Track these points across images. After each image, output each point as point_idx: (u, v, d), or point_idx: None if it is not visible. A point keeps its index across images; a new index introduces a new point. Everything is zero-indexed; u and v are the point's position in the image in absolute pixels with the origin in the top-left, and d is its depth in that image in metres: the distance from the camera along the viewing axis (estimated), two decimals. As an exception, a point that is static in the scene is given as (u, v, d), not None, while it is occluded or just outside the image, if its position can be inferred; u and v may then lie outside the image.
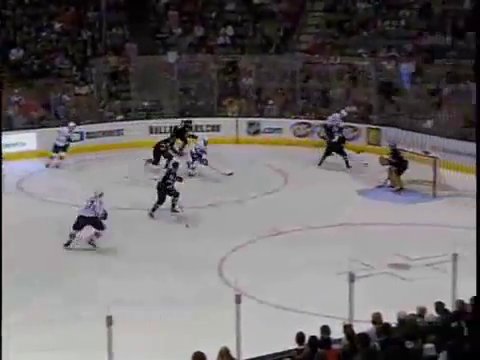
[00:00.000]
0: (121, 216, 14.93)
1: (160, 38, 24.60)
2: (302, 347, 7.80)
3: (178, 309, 11.17)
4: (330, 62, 22.52)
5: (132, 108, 22.53)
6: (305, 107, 22.42)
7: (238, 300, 8.26)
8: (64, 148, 19.37)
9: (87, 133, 21.20)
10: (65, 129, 19.61)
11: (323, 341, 7.69)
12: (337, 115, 20.19)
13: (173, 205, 15.26)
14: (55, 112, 21.56)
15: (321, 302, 11.16)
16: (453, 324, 7.50)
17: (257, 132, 22.12)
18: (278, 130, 21.95)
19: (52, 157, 19.28)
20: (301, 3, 25.17)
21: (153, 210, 15.27)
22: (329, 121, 20.17)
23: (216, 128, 22.10)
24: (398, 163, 17.25)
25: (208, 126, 22.10)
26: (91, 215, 13.51)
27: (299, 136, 21.77)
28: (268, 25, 24.79)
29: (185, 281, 12.31)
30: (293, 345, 7.91)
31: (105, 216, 13.49)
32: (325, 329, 7.95)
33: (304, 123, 21.88)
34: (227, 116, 22.56)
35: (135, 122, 21.84)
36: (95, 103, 22.19)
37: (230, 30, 24.82)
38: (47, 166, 19.24)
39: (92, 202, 13.52)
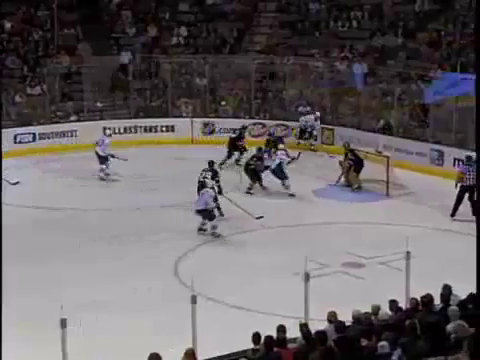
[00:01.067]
0: (79, 218, 14.82)
1: (113, 38, 24.44)
2: (258, 347, 7.84)
3: (134, 311, 11.13)
4: (284, 62, 22.64)
5: (85, 109, 22.35)
6: (259, 107, 22.50)
7: (194, 301, 8.27)
8: None
9: (40, 134, 20.97)
10: None
11: (279, 341, 7.73)
12: (311, 116, 20.35)
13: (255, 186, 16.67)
14: (7, 113, 21.27)
15: (277, 302, 11.22)
16: (407, 322, 7.60)
17: (212, 132, 22.13)
18: (233, 130, 21.94)
19: None
20: (254, 4, 25.28)
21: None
22: (302, 122, 20.30)
23: (170, 129, 22.06)
24: (356, 162, 17.41)
25: (162, 127, 22.04)
26: (201, 207, 14.08)
27: (254, 136, 21.83)
28: (221, 25, 24.83)
29: (141, 282, 12.26)
30: (249, 345, 7.94)
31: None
32: (281, 328, 8.00)
33: (259, 123, 21.96)
34: (181, 116, 22.52)
35: (88, 123, 21.67)
36: (48, 104, 21.95)
37: (184, 30, 24.79)
38: None
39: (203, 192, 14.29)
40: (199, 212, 14.28)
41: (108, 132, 18.99)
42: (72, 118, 22.04)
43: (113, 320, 10.74)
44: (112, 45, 24.20)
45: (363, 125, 20.36)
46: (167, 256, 13.24)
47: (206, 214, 14.27)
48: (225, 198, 15.17)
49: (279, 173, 17.01)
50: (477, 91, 5.79)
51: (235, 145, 19.33)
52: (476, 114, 5.94)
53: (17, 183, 16.39)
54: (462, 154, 17.98)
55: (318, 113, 20.58)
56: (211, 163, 15.75)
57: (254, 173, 17.19)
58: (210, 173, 15.42)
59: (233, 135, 19.74)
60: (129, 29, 24.69)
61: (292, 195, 16.76)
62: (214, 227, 14.31)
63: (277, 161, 17.12)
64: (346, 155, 17.59)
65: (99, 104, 22.54)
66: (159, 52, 23.96)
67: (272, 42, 24.23)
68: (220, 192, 15.06)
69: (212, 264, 12.97)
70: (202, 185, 14.89)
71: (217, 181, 15.28)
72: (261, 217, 14.89)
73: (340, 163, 17.69)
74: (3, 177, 16.75)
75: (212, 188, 14.65)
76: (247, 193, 16.89)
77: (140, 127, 22.06)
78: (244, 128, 20.05)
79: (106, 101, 22.70)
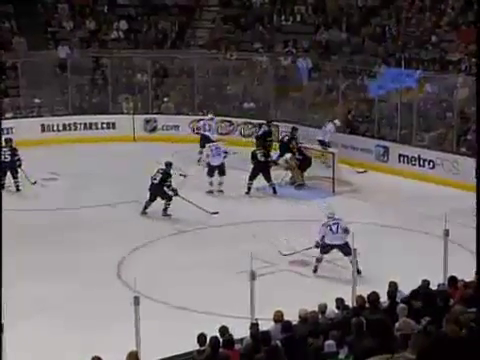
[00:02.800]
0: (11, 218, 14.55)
1: (50, 32, 24.13)
2: (204, 348, 7.86)
3: (77, 312, 11.04)
4: (227, 58, 22.67)
5: (22, 105, 22.01)
6: (203, 103, 22.49)
7: (137, 302, 8.25)
8: None
9: (-26, 132, 20.57)
10: None
11: (225, 341, 7.76)
12: (330, 126, 18.94)
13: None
14: None
15: (223, 302, 11.26)
16: (353, 320, 7.70)
17: (154, 129, 22.04)
18: (176, 127, 21.93)
19: None
20: (196, -3, 25.25)
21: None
22: (321, 135, 18.85)
23: (111, 126, 21.88)
24: (302, 160, 17.50)
25: (103, 124, 21.86)
26: (339, 242, 12.42)
27: (197, 133, 21.79)
28: (163, 19, 24.72)
29: (83, 284, 12.17)
30: (194, 346, 7.96)
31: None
32: (225, 329, 8.04)
33: (202, 120, 21.91)
34: (123, 113, 22.37)
35: (26, 120, 21.36)
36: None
37: (123, 24, 24.61)
38: None
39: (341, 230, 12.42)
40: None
41: None
42: (8, 115, 21.69)
43: (52, 322, 10.64)
44: (49, 39, 23.89)
45: (308, 121, 20.50)
46: (108, 256, 13.13)
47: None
48: (180, 197, 15.13)
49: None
50: (477, 90, 5.89)
51: (288, 148, 18.13)
52: (476, 114, 6.06)
53: (35, 183, 16.87)
54: (407, 150, 18.32)
55: (337, 121, 19.12)
56: (168, 164, 15.45)
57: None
58: (161, 175, 15.22)
59: (286, 138, 18.76)
60: (66, 23, 24.40)
61: (221, 191, 16.86)
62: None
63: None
64: (293, 153, 17.66)
65: (36, 100, 22.21)
66: (98, 47, 23.75)
67: (215, 37, 24.23)
68: (175, 193, 15.19)
69: (155, 264, 12.93)
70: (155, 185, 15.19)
71: (168, 185, 15.14)
72: (216, 213, 15.14)
73: (286, 161, 17.76)
74: (24, 176, 16.59)
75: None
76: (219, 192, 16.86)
77: (80, 124, 21.83)
78: (295, 130, 18.95)
79: (44, 97, 22.39)
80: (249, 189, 16.87)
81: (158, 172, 15.31)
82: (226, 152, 17.24)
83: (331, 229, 12.57)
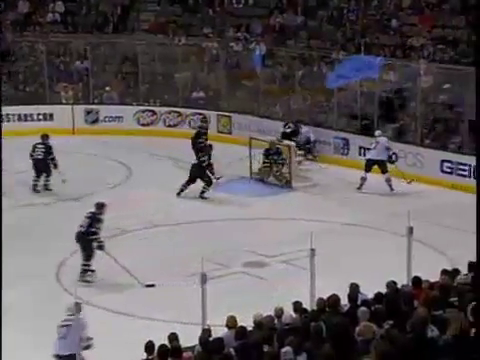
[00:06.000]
0: None
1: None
2: (151, 357, 7.86)
3: (13, 320, 10.94)
4: (174, 43, 22.61)
5: None
6: (149, 93, 22.42)
7: (78, 309, 8.22)
8: None
9: None
10: None
11: (173, 349, 7.77)
12: (306, 129, 19.12)
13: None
14: None
15: (172, 307, 11.26)
16: (312, 325, 7.78)
17: (96, 121, 21.90)
18: (119, 118, 21.82)
19: None
20: (140, -23, 25.13)
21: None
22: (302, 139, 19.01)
23: (49, 117, 21.69)
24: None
25: (40, 115, 21.65)
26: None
27: (143, 124, 21.75)
28: (103, 1, 24.56)
29: (19, 289, 12.07)
30: (142, 355, 7.96)
31: None
32: (173, 336, 8.05)
33: (148, 110, 21.88)
34: (61, 103, 22.18)
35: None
36: None
37: (60, 6, 24.41)
38: None
39: None
40: None
41: None
42: None
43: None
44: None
45: (262, 111, 20.58)
46: (47, 260, 13.02)
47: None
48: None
49: None
50: (477, 90, 5.98)
51: (291, 140, 18.40)
52: (476, 114, 6.15)
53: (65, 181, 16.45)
54: (368, 142, 18.48)
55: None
56: (100, 206, 13.06)
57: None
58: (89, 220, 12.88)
59: (287, 130, 18.99)
60: (-3, 5, 24.13)
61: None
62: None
63: None
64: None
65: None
66: (33, 30, 23.50)
67: (161, 20, 24.16)
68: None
69: (97, 267, 12.84)
70: None
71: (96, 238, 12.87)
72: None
73: None
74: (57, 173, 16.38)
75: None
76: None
77: (13, 115, 21.56)
78: (298, 122, 19.26)
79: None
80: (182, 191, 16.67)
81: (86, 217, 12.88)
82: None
83: None
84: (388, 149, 17.00)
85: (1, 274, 5.75)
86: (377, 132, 17.40)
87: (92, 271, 12.62)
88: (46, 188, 16.83)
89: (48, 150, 16.83)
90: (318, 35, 22.18)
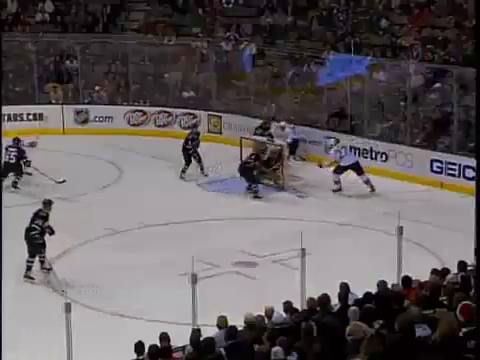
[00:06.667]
0: None
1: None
2: (141, 357, 7.86)
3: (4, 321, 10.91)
4: (164, 43, 22.60)
5: None
6: (139, 93, 22.39)
7: (68, 309, 8.20)
8: None
9: None
10: None
11: (164, 350, 7.78)
12: (288, 129, 19.11)
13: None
14: None
15: (162, 307, 11.26)
16: (302, 324, 7.78)
17: (86, 121, 21.86)
18: (109, 119, 21.79)
19: None
20: (129, -23, 25.10)
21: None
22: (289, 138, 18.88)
23: (39, 117, 21.63)
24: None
25: (29, 115, 21.59)
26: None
27: (133, 125, 21.72)
28: (93, 1, 24.52)
29: (8, 288, 12.02)
30: (132, 355, 7.96)
31: None
32: (164, 336, 8.05)
33: (138, 110, 21.85)
34: (51, 103, 22.13)
35: None
36: None
37: (49, 6, 24.35)
38: None
39: None
40: None
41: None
42: None
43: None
44: (-36, 22, 23.48)
45: (253, 111, 20.57)
46: (35, 261, 12.98)
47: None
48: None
49: None
50: (477, 89, 5.99)
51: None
52: (476, 114, 6.16)
53: (64, 181, 16.49)
54: (358, 142, 18.51)
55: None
56: (47, 203, 13.22)
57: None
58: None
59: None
60: (-15, 4, 24.05)
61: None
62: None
63: None
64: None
65: None
66: (21, 30, 23.42)
67: (150, 20, 24.14)
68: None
69: (87, 267, 12.83)
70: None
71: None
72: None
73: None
74: (49, 176, 16.25)
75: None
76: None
77: (2, 115, 21.49)
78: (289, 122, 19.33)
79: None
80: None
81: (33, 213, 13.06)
82: None
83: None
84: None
85: (1, 274, 5.77)
86: (332, 140, 17.57)
87: (49, 269, 12.61)
88: (14, 186, 16.75)
89: (21, 154, 16.77)
90: (308, 35, 22.21)
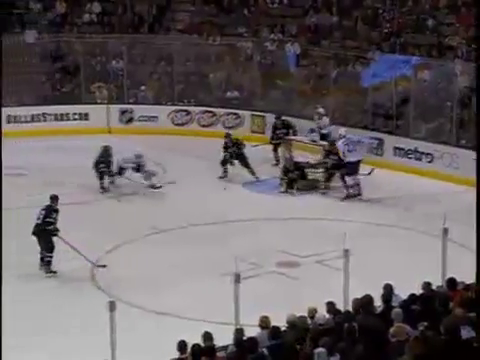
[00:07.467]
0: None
1: (16, 14, 23.98)
2: (184, 356, 7.87)
3: (47, 316, 11.04)
4: (209, 43, 22.65)
5: (-15, 95, 21.87)
6: (183, 93, 22.47)
7: (113, 307, 8.24)
8: None
9: None
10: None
11: (207, 349, 7.77)
12: (326, 119, 18.97)
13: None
14: None
15: (205, 306, 11.27)
16: (345, 325, 7.74)
17: (130, 121, 22.00)
18: (154, 118, 21.90)
19: None
20: (175, -22, 25.19)
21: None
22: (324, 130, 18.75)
23: (84, 117, 21.82)
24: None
25: (75, 115, 21.79)
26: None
27: (177, 124, 21.80)
28: (139, 2, 24.66)
29: (55, 286, 12.18)
30: (174, 354, 7.97)
31: None
32: (207, 336, 8.04)
33: (182, 110, 21.93)
34: (96, 103, 22.30)
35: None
36: None
37: (96, 7, 24.52)
38: None
39: None
40: None
41: None
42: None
43: (19, 326, 10.62)
44: (14, 22, 23.74)
45: (296, 111, 20.50)
46: (81, 258, 13.08)
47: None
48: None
49: None
50: (477, 89, 5.94)
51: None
52: (476, 113, 6.11)
53: (160, 187, 16.48)
54: (403, 143, 18.36)
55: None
56: (53, 198, 13.29)
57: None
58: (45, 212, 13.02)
59: (324, 131, 18.67)
60: (34, 4, 24.28)
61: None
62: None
63: None
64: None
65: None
66: (69, 31, 23.65)
67: (196, 20, 24.18)
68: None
69: (132, 266, 12.91)
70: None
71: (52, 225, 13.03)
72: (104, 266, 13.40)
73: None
74: (149, 182, 16.52)
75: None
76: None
77: (49, 115, 21.75)
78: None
79: (9, 86, 22.24)
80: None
81: (42, 209, 13.04)
82: None
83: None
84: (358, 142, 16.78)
85: (1, 273, 5.74)
86: (342, 130, 17.17)
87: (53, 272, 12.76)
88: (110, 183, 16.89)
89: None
90: (353, 35, 22.07)
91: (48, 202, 13.11)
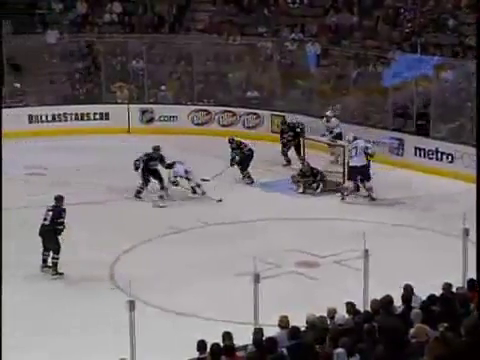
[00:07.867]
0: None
1: (38, 15, 24.10)
2: (204, 356, 7.86)
3: (66, 316, 11.06)
4: (229, 42, 22.65)
5: (7, 94, 21.97)
6: (203, 92, 22.48)
7: (132, 307, 8.24)
8: None
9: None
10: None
11: (226, 348, 7.76)
12: (335, 120, 18.95)
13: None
14: None
15: (224, 306, 11.26)
16: (365, 326, 7.71)
17: (151, 120, 22.03)
18: (174, 118, 21.93)
19: None
20: (195, -22, 25.21)
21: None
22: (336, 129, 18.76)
23: (105, 116, 21.87)
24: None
25: (96, 114, 21.84)
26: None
27: (197, 124, 21.82)
28: (160, 2, 24.70)
29: (74, 286, 12.21)
30: (194, 354, 7.96)
31: None
32: (227, 336, 8.04)
33: (202, 110, 21.94)
34: (117, 103, 22.36)
35: (12, 110, 21.29)
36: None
37: (117, 7, 24.59)
38: None
39: None
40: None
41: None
42: (-6, 105, 21.68)
43: (38, 325, 10.65)
44: (36, 23, 23.86)
45: (316, 111, 20.46)
46: (100, 258, 13.12)
47: None
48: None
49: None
50: (477, 88, 5.91)
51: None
52: (476, 112, 6.08)
53: (220, 201, 16.13)
54: (423, 143, 18.27)
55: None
56: (59, 198, 12.97)
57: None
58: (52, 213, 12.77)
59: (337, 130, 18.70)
60: (55, 5, 24.39)
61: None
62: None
63: None
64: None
65: (17, 84, 21.99)
66: (90, 31, 23.73)
67: (216, 20, 24.19)
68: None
69: (150, 266, 12.91)
70: None
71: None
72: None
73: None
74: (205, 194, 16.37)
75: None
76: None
77: (70, 114, 21.82)
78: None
79: (31, 86, 22.39)
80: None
81: (48, 210, 12.80)
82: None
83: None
84: (366, 152, 16.32)
85: (1, 273, 5.74)
86: (351, 136, 16.94)
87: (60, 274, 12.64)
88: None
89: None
90: (374, 35, 21.99)
91: (53, 203, 12.80)
